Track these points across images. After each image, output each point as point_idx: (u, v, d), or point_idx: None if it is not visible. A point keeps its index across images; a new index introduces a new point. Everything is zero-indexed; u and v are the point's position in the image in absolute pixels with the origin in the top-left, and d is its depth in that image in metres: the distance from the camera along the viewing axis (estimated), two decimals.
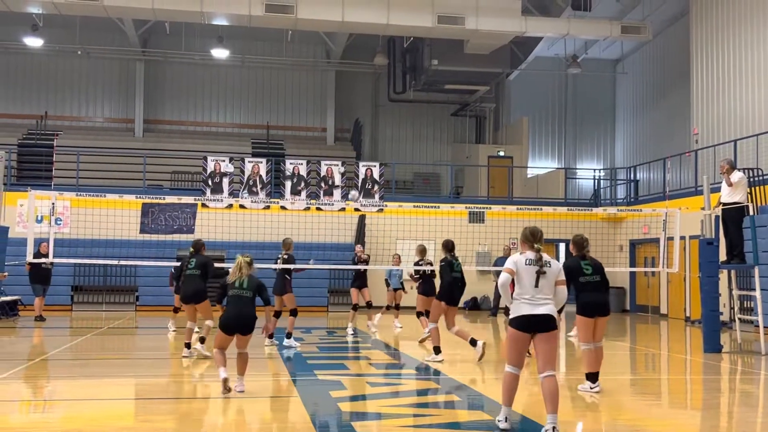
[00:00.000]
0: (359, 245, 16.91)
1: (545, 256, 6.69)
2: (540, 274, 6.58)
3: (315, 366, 11.04)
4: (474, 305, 23.71)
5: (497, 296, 21.59)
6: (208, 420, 7.63)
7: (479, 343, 11.19)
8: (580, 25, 23.39)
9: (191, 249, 11.48)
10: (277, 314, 12.41)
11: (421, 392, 8.85)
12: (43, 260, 15.69)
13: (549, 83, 30.86)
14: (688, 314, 20.38)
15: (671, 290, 21.84)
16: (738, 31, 20.87)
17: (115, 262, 17.42)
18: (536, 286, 6.58)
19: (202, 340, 11.62)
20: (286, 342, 12.85)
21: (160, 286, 19.97)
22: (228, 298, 8.61)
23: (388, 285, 17.12)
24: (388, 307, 17.09)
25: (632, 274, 23.67)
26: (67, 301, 21.01)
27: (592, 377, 8.88)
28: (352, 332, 15.35)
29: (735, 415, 8.55)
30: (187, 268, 11.24)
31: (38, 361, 11.27)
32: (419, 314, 13.17)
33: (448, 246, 11.61)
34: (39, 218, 17.16)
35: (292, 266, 12.92)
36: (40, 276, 17.43)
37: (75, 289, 21.24)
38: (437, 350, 11.37)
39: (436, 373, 10.34)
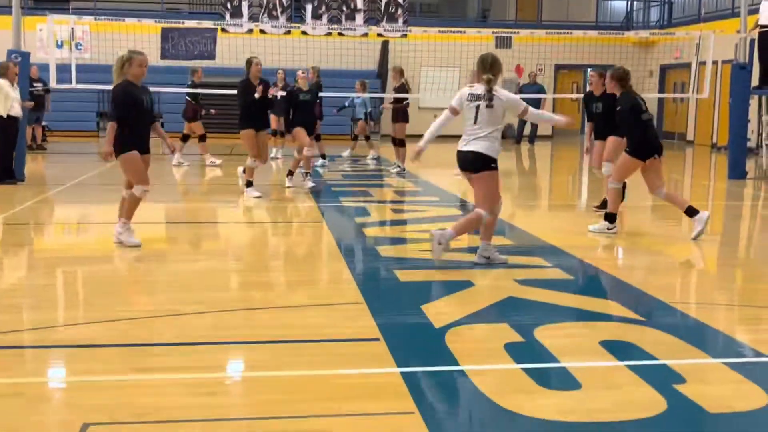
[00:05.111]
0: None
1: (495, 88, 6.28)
2: (477, 108, 6.24)
3: (340, 193, 11.23)
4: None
5: (521, 124, 21.44)
6: (236, 241, 7.85)
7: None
8: None
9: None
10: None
11: (446, 219, 8.98)
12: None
13: None
14: (714, 140, 20.20)
15: (699, 116, 21.52)
16: None
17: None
18: (474, 122, 6.28)
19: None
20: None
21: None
22: None
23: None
24: (357, 137, 16.54)
25: (660, 101, 23.23)
26: (93, 128, 21.19)
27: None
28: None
29: (754, 241, 8.66)
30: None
31: (70, 185, 11.53)
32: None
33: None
34: (59, 43, 16.95)
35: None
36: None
37: (100, 115, 21.32)
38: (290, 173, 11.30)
39: (463, 200, 10.46)
